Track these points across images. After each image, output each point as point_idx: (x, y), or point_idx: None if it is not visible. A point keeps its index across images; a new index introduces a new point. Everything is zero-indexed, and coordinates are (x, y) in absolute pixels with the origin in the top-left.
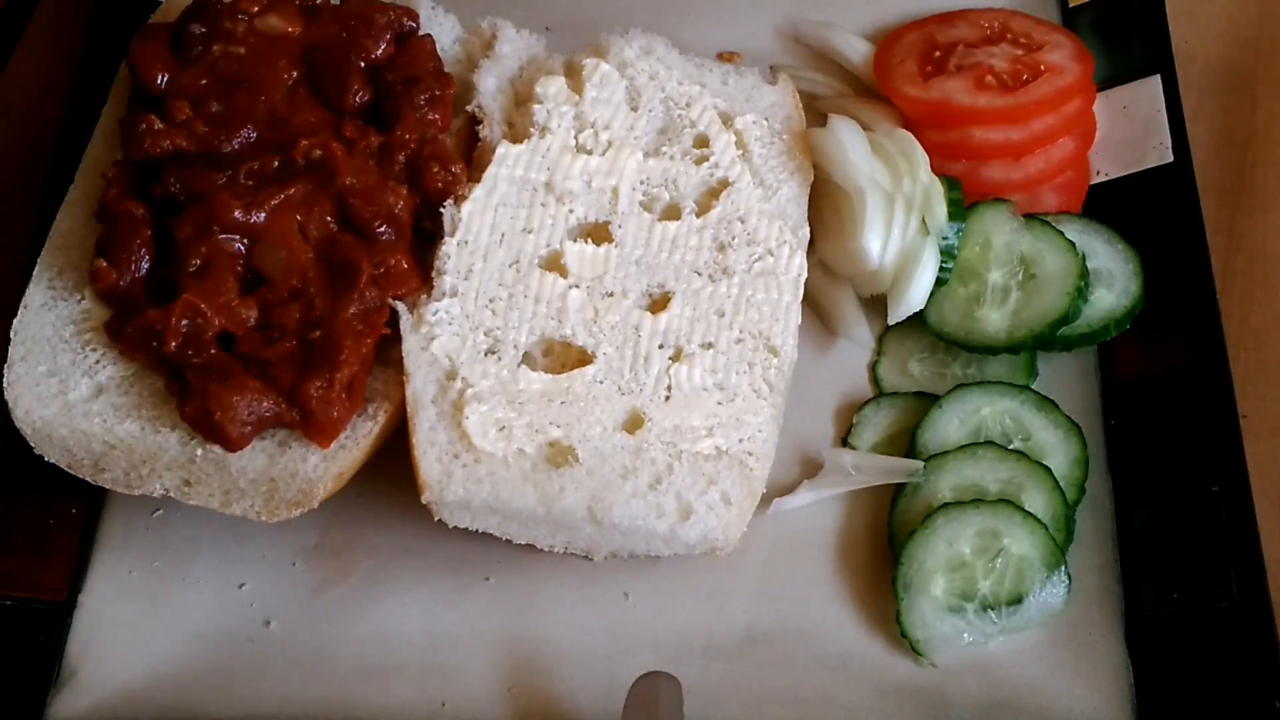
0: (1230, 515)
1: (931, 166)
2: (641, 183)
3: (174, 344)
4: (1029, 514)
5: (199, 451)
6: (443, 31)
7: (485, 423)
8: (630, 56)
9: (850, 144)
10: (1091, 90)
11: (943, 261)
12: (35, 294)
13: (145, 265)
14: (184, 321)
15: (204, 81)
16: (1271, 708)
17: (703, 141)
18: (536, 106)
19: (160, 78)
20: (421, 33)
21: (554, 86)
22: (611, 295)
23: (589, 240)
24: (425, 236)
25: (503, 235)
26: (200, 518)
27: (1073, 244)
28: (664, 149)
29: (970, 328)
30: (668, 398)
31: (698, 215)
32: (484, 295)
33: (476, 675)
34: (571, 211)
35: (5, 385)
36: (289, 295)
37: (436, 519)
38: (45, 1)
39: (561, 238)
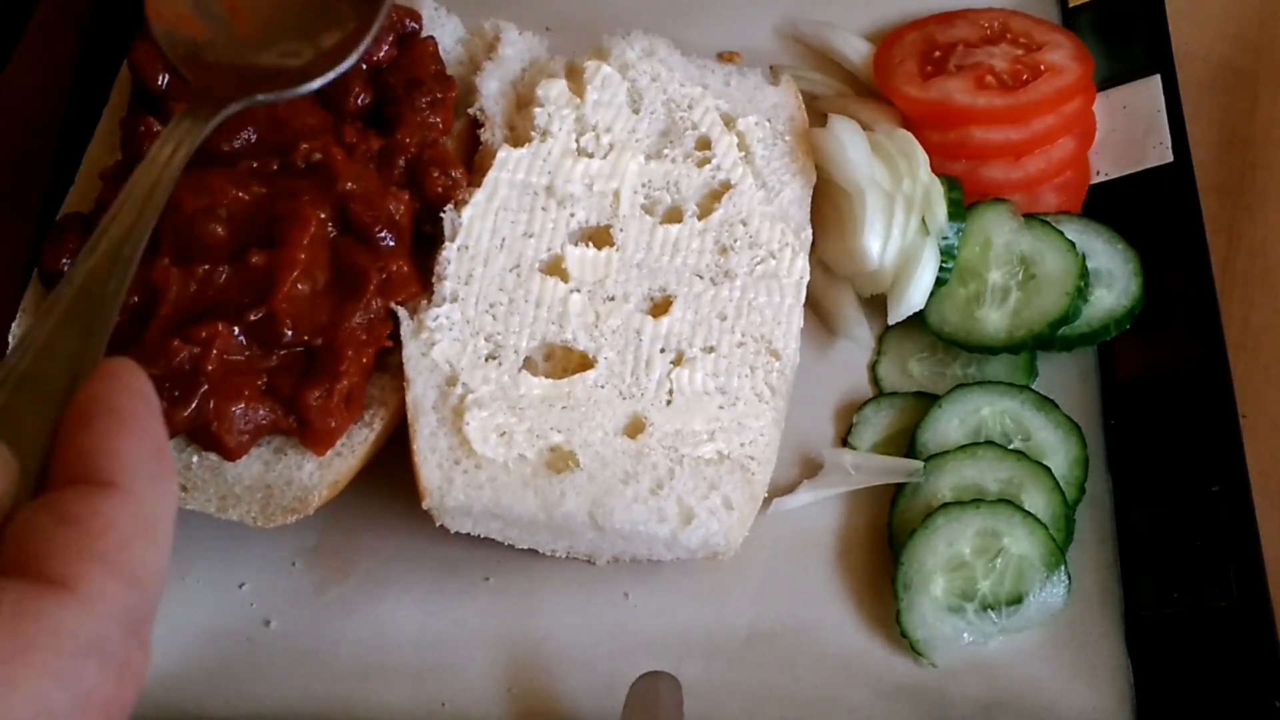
0: (1230, 515)
1: (931, 166)
2: (643, 185)
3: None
4: (1029, 514)
5: (194, 459)
6: (445, 32)
7: (486, 428)
8: (632, 58)
9: (850, 144)
10: (1091, 90)
11: (943, 261)
12: (33, 298)
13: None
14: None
15: None
16: (1271, 708)
17: (704, 144)
18: (537, 110)
19: (161, 78)
20: (425, 34)
21: (555, 89)
22: (613, 299)
23: (590, 244)
24: (424, 241)
25: (503, 240)
26: (200, 517)
27: (1073, 244)
28: (666, 151)
29: (970, 328)
30: (669, 402)
31: (699, 218)
32: (484, 300)
33: (476, 675)
34: (573, 215)
35: None
36: None
37: (438, 524)
38: (45, 1)
39: (562, 242)
